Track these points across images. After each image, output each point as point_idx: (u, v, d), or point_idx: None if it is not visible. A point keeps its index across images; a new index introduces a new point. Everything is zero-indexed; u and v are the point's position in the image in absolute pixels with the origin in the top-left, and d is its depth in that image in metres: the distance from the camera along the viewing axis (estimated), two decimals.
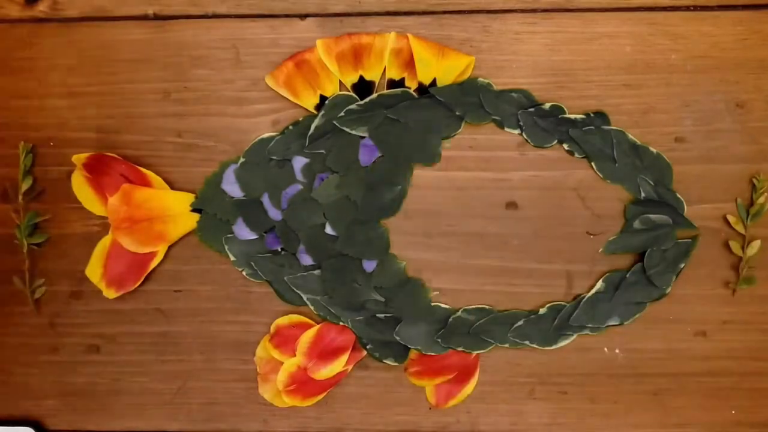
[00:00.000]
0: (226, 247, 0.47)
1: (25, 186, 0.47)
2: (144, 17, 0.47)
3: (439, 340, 0.47)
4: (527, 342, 0.47)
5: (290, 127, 0.47)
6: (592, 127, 0.46)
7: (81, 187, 0.47)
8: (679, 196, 0.46)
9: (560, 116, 0.46)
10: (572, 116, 0.46)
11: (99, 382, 0.50)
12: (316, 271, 0.47)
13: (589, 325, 0.47)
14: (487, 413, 0.49)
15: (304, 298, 0.47)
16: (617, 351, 0.48)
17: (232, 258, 0.47)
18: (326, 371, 0.47)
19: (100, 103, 0.47)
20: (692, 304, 0.47)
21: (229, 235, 0.47)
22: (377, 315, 0.47)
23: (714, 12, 0.45)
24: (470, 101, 0.46)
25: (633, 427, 0.48)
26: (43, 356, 0.49)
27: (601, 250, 0.47)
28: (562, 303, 0.47)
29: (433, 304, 0.47)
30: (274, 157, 0.47)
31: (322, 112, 0.46)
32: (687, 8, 0.45)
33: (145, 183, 0.47)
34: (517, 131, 0.46)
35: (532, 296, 0.47)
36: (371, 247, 0.47)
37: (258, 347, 0.48)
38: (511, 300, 0.48)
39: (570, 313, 0.47)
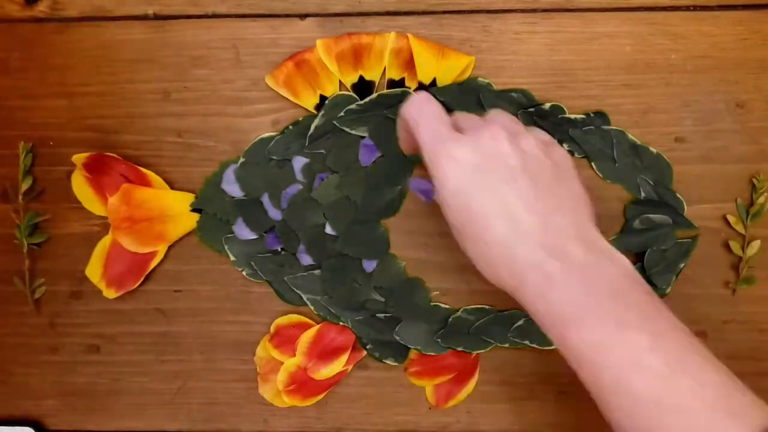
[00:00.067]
0: (226, 247, 0.47)
1: (25, 186, 0.47)
2: (144, 17, 0.47)
3: (439, 340, 0.47)
4: (527, 342, 0.47)
5: (290, 127, 0.47)
6: (592, 127, 0.46)
7: (81, 187, 0.47)
8: (679, 196, 0.46)
9: (560, 116, 0.46)
10: (572, 116, 0.46)
11: (99, 382, 0.50)
12: (316, 271, 0.47)
13: None
14: (487, 413, 0.49)
15: (304, 298, 0.47)
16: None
17: (232, 258, 0.47)
18: (326, 371, 0.47)
19: (100, 103, 0.47)
20: (692, 304, 0.47)
21: (229, 235, 0.47)
22: (377, 315, 0.47)
23: (714, 12, 0.45)
24: (470, 101, 0.46)
25: None
26: (43, 356, 0.49)
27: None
28: None
29: (433, 304, 0.47)
30: (274, 157, 0.47)
31: (322, 112, 0.46)
32: (687, 8, 0.45)
33: (145, 183, 0.47)
34: None
35: None
36: (371, 247, 0.47)
37: (258, 347, 0.48)
38: (512, 300, 0.47)
39: None
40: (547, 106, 0.46)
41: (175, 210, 0.47)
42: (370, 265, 0.47)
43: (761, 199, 0.46)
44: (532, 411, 0.48)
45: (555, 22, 0.46)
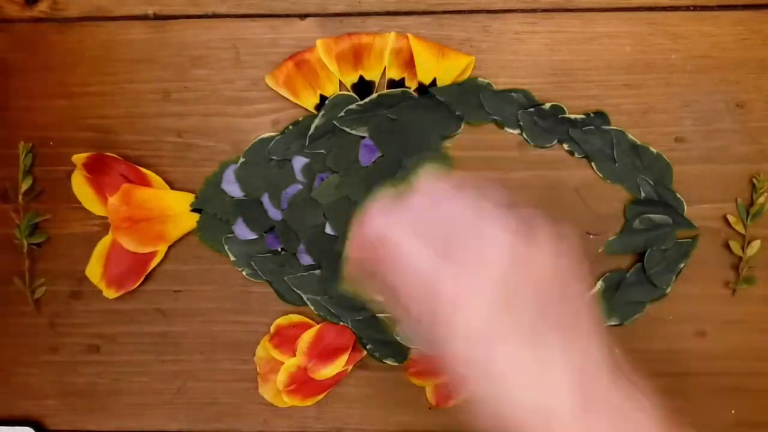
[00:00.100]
0: (226, 247, 0.47)
1: (25, 186, 0.47)
2: (144, 17, 0.47)
3: None
4: None
5: (290, 127, 0.47)
6: (592, 127, 0.46)
7: (81, 187, 0.47)
8: (679, 196, 0.46)
9: (560, 116, 0.46)
10: (572, 116, 0.46)
11: (99, 382, 0.49)
12: (316, 271, 0.47)
13: None
14: None
15: (304, 298, 0.47)
16: (617, 351, 0.48)
17: (232, 258, 0.47)
18: (326, 371, 0.47)
19: (100, 103, 0.47)
20: (692, 304, 0.47)
21: (229, 235, 0.47)
22: (377, 315, 0.47)
23: (714, 12, 0.45)
24: (470, 101, 0.46)
25: None
26: (43, 356, 0.49)
27: (601, 250, 0.47)
28: None
29: None
30: (274, 157, 0.47)
31: (322, 112, 0.46)
32: (687, 8, 0.45)
33: (145, 183, 0.47)
34: (517, 131, 0.46)
35: None
36: None
37: (258, 347, 0.48)
38: None
39: None
40: (547, 106, 0.46)
41: (175, 210, 0.47)
42: None
43: (761, 199, 0.46)
44: None
45: (555, 22, 0.46)
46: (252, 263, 0.47)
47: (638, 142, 0.46)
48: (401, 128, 0.46)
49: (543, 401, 0.29)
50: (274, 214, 0.47)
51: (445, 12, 0.46)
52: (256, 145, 0.47)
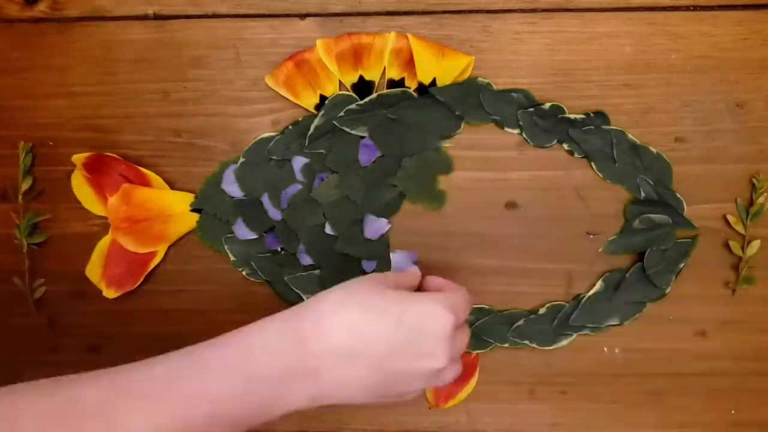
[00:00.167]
0: (226, 247, 0.47)
1: (25, 186, 0.47)
2: (144, 17, 0.47)
3: None
4: (527, 342, 0.47)
5: (290, 127, 0.47)
6: (592, 127, 0.46)
7: (81, 187, 0.47)
8: (679, 196, 0.46)
9: (560, 116, 0.46)
10: (572, 116, 0.46)
11: None
12: (316, 271, 0.47)
13: (589, 325, 0.47)
14: (487, 413, 0.49)
15: (304, 298, 0.47)
16: (617, 351, 0.48)
17: (232, 258, 0.47)
18: None
19: (100, 103, 0.47)
20: (692, 304, 0.47)
21: (229, 235, 0.47)
22: None
23: (714, 12, 0.45)
24: (470, 101, 0.46)
25: (633, 427, 0.48)
26: (43, 356, 0.49)
27: (601, 250, 0.47)
28: (562, 303, 0.47)
29: None
30: (274, 157, 0.47)
31: (322, 112, 0.46)
32: (687, 8, 0.45)
33: (145, 183, 0.47)
34: (517, 131, 0.46)
35: (532, 296, 0.47)
36: (371, 247, 0.47)
37: None
38: (511, 300, 0.48)
39: (570, 313, 0.47)
40: (547, 106, 0.46)
41: (175, 210, 0.47)
42: (370, 265, 0.47)
43: (761, 199, 0.46)
44: (532, 411, 0.48)
45: (555, 22, 0.46)
46: (252, 263, 0.47)
47: (638, 142, 0.46)
48: (401, 128, 0.46)
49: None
50: (274, 214, 0.47)
51: (445, 12, 0.46)
52: (256, 145, 0.47)
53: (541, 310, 0.47)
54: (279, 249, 0.47)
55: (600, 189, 0.46)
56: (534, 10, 0.46)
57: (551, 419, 0.48)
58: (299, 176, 0.47)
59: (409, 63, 0.46)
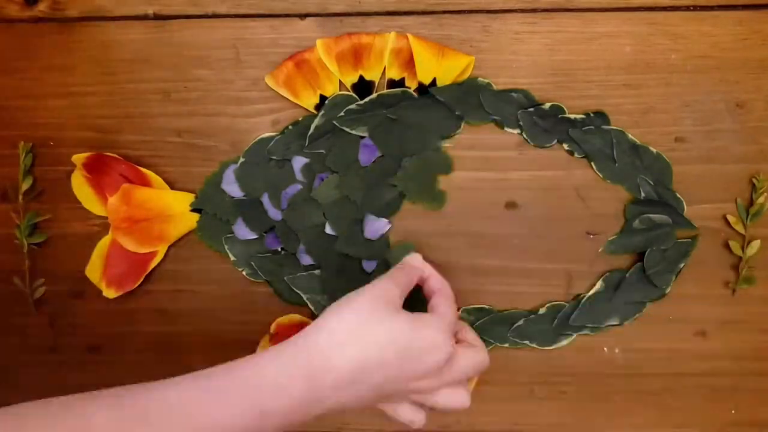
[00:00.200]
0: (226, 247, 0.47)
1: (25, 186, 0.47)
2: (144, 17, 0.47)
3: None
4: (527, 342, 0.47)
5: (290, 127, 0.47)
6: (592, 127, 0.46)
7: (81, 187, 0.47)
8: (679, 196, 0.46)
9: (560, 116, 0.46)
10: (572, 116, 0.46)
11: (99, 382, 0.49)
12: (316, 271, 0.47)
13: (589, 325, 0.47)
14: (487, 413, 0.49)
15: (304, 298, 0.47)
16: (617, 351, 0.48)
17: (232, 258, 0.47)
18: None
19: (100, 103, 0.47)
20: (692, 304, 0.47)
21: (229, 235, 0.47)
22: None
23: (714, 12, 0.45)
24: (470, 101, 0.46)
25: (633, 427, 0.48)
26: (43, 356, 0.49)
27: (601, 250, 0.47)
28: (562, 303, 0.47)
29: None
30: (274, 157, 0.47)
31: (322, 112, 0.46)
32: (687, 8, 0.45)
33: (145, 183, 0.47)
34: (517, 131, 0.46)
35: (532, 296, 0.47)
36: (371, 247, 0.47)
37: (258, 347, 0.48)
38: (511, 300, 0.48)
39: (570, 313, 0.47)
40: (547, 106, 0.46)
41: (175, 210, 0.47)
42: (370, 265, 0.47)
43: (761, 199, 0.46)
44: (532, 411, 0.48)
45: (555, 22, 0.46)
46: (252, 263, 0.47)
47: (638, 142, 0.46)
48: (401, 128, 0.46)
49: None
50: (274, 214, 0.47)
51: (445, 12, 0.46)
52: (256, 145, 0.47)
53: (541, 310, 0.47)
54: (279, 249, 0.47)
55: (600, 189, 0.46)
56: (534, 10, 0.46)
57: (551, 419, 0.48)
58: (299, 176, 0.47)
59: (409, 63, 0.46)
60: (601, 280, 0.47)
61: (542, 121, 0.46)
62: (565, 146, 0.46)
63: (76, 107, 0.47)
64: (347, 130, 0.46)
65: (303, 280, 0.47)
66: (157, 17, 0.47)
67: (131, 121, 0.47)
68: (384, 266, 0.47)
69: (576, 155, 0.46)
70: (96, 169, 0.47)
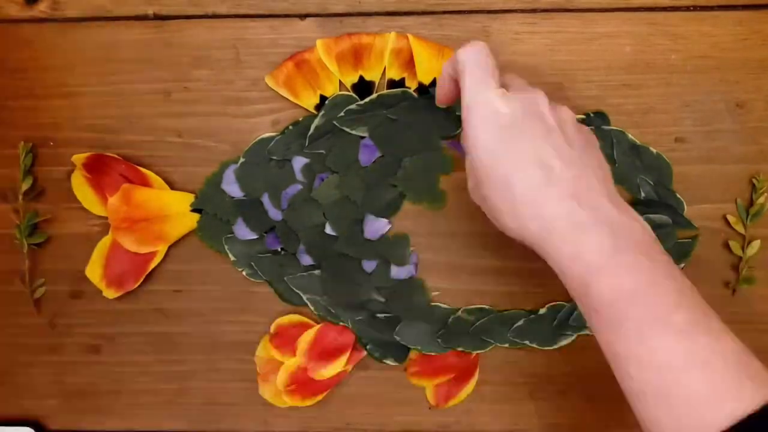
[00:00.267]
0: (226, 247, 0.47)
1: (25, 186, 0.47)
2: (144, 17, 0.47)
3: (439, 340, 0.47)
4: (527, 342, 0.47)
5: (290, 127, 0.47)
6: (592, 127, 0.46)
7: (81, 187, 0.47)
8: (679, 196, 0.46)
9: None
10: None
11: (99, 382, 0.50)
12: (316, 271, 0.47)
13: None
14: (487, 413, 0.49)
15: (304, 298, 0.47)
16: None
17: (232, 258, 0.47)
18: (326, 371, 0.47)
19: (100, 103, 0.47)
20: None
21: (229, 235, 0.47)
22: (377, 315, 0.47)
23: (714, 12, 0.45)
24: None
25: (633, 427, 0.48)
26: (43, 356, 0.49)
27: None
28: (562, 303, 0.47)
29: (433, 304, 0.47)
30: (274, 157, 0.47)
31: (322, 112, 0.46)
32: (687, 8, 0.45)
33: (145, 183, 0.47)
34: None
35: (532, 296, 0.47)
36: (371, 247, 0.47)
37: (258, 347, 0.48)
38: (511, 300, 0.48)
39: (570, 313, 0.47)
40: None
41: (175, 210, 0.47)
42: (370, 265, 0.47)
43: (761, 199, 0.46)
44: (532, 411, 0.48)
45: (555, 22, 0.46)
46: (252, 263, 0.47)
47: (638, 142, 0.46)
48: (401, 128, 0.46)
49: (544, 211, 0.34)
50: (274, 214, 0.47)
51: (445, 12, 0.46)
52: (256, 145, 0.47)
53: (541, 310, 0.47)
54: (279, 249, 0.47)
55: None
56: (534, 11, 0.46)
57: (551, 419, 0.48)
58: (299, 176, 0.47)
59: (410, 63, 0.46)
60: None
61: None
62: None
63: (76, 107, 0.47)
64: (347, 130, 0.46)
65: (303, 280, 0.47)
66: (157, 17, 0.47)
67: (131, 121, 0.47)
68: (384, 266, 0.47)
69: None
70: (96, 169, 0.47)
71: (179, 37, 0.47)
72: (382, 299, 0.47)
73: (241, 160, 0.47)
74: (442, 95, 0.41)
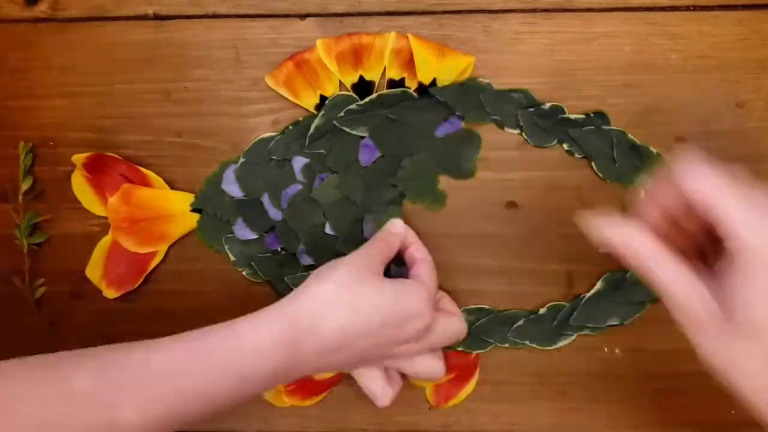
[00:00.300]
0: (226, 247, 0.47)
1: (25, 186, 0.47)
2: (144, 17, 0.47)
3: None
4: (527, 342, 0.47)
5: (290, 127, 0.47)
6: (592, 127, 0.46)
7: (81, 187, 0.47)
8: None
9: (560, 116, 0.46)
10: (572, 116, 0.46)
11: None
12: None
13: (589, 325, 0.47)
14: (487, 413, 0.49)
15: None
16: (617, 351, 0.48)
17: (232, 258, 0.47)
18: None
19: (100, 103, 0.47)
20: None
21: (229, 235, 0.47)
22: None
23: (714, 12, 0.45)
24: (470, 101, 0.46)
25: (633, 427, 0.48)
26: None
27: (601, 250, 0.47)
28: (562, 303, 0.47)
29: None
30: (274, 157, 0.47)
31: (322, 112, 0.46)
32: (687, 8, 0.45)
33: (145, 183, 0.47)
34: (517, 131, 0.46)
35: (532, 296, 0.47)
36: None
37: None
38: (511, 300, 0.48)
39: (570, 313, 0.47)
40: (547, 106, 0.46)
41: (175, 210, 0.47)
42: None
43: None
44: (532, 411, 0.48)
45: (555, 22, 0.46)
46: (252, 263, 0.47)
47: (638, 142, 0.46)
48: (401, 128, 0.46)
49: None
50: (274, 214, 0.47)
51: (445, 12, 0.46)
52: (256, 145, 0.47)
53: (541, 310, 0.47)
54: (279, 249, 0.47)
55: (600, 189, 0.46)
56: (534, 10, 0.46)
57: (551, 419, 0.48)
58: (299, 176, 0.47)
59: (409, 63, 0.46)
60: (601, 280, 0.47)
61: (542, 121, 0.46)
62: (565, 146, 0.46)
63: (76, 107, 0.47)
64: (347, 130, 0.46)
65: (303, 280, 0.47)
66: (157, 17, 0.47)
67: (131, 121, 0.47)
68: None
69: (576, 155, 0.46)
70: (96, 169, 0.47)
71: (179, 37, 0.47)
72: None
73: (241, 160, 0.47)
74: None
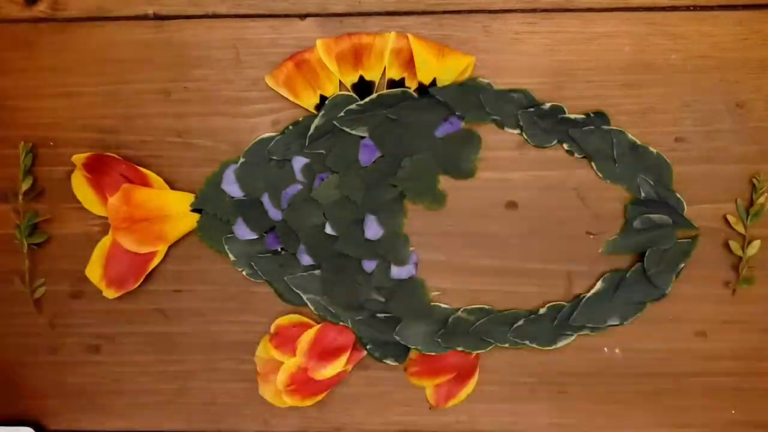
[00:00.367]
0: (226, 247, 0.47)
1: (25, 186, 0.47)
2: (144, 17, 0.47)
3: (439, 340, 0.47)
4: (527, 342, 0.47)
5: (290, 127, 0.47)
6: (592, 127, 0.46)
7: (81, 187, 0.47)
8: (679, 196, 0.46)
9: (560, 116, 0.46)
10: (572, 116, 0.46)
11: (99, 382, 0.50)
12: (316, 271, 0.47)
13: (589, 325, 0.47)
14: (487, 413, 0.49)
15: (304, 298, 0.47)
16: (617, 351, 0.48)
17: (232, 258, 0.47)
18: (326, 371, 0.47)
19: (100, 103, 0.47)
20: (692, 304, 0.47)
21: (229, 235, 0.47)
22: (377, 315, 0.47)
23: (714, 12, 0.45)
24: (470, 101, 0.46)
25: (633, 427, 0.48)
26: (43, 356, 0.49)
27: (601, 250, 0.47)
28: (562, 303, 0.47)
29: (433, 304, 0.47)
30: (274, 157, 0.47)
31: (322, 112, 0.46)
32: (687, 8, 0.45)
33: (145, 183, 0.47)
34: (517, 131, 0.46)
35: (532, 296, 0.47)
36: (371, 247, 0.47)
37: (258, 347, 0.48)
38: (511, 300, 0.48)
39: (570, 313, 0.47)
40: (547, 106, 0.46)
41: (175, 210, 0.47)
42: (370, 265, 0.47)
43: (761, 200, 0.46)
44: (532, 411, 0.48)
45: (555, 22, 0.46)
46: (252, 263, 0.47)
47: (638, 142, 0.46)
48: (401, 128, 0.46)
49: None
50: (274, 214, 0.47)
51: (445, 12, 0.46)
52: (256, 145, 0.47)
53: (541, 310, 0.47)
54: (279, 249, 0.47)
55: (600, 189, 0.46)
56: (534, 10, 0.46)
57: (551, 419, 0.48)
58: (299, 176, 0.47)
59: (409, 63, 0.46)
60: (601, 280, 0.47)
61: (542, 121, 0.46)
62: (565, 146, 0.46)
63: (76, 107, 0.47)
64: (347, 130, 0.46)
65: (303, 280, 0.47)
66: (157, 17, 0.47)
67: (131, 121, 0.47)
68: (384, 266, 0.47)
69: (576, 155, 0.46)
70: (96, 169, 0.47)
71: (179, 37, 0.47)
72: (382, 299, 0.47)
73: (241, 160, 0.47)
74: None
